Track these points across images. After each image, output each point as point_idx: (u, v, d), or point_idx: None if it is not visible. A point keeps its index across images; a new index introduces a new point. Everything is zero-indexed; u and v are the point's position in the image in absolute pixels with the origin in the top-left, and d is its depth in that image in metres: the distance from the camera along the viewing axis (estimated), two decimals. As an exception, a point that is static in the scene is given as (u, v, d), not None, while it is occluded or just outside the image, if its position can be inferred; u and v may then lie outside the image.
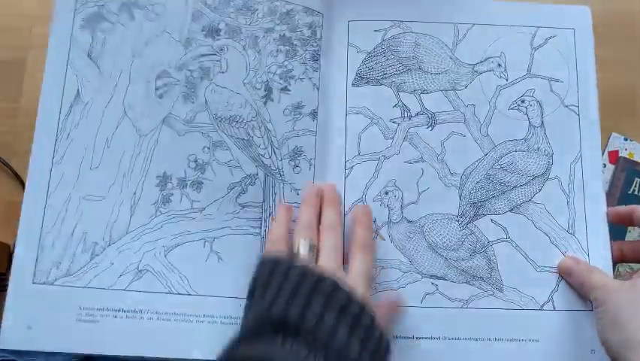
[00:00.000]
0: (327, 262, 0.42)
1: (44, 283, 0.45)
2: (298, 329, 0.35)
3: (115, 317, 0.45)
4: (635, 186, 0.54)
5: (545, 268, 0.49)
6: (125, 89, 0.48)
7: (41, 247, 0.45)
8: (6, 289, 0.45)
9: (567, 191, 0.50)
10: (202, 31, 0.49)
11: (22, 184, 0.49)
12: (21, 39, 0.53)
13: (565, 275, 0.48)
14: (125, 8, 0.49)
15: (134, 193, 0.47)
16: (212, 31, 0.49)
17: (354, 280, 0.41)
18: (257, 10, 0.50)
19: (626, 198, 0.55)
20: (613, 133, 0.55)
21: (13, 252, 0.45)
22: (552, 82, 0.52)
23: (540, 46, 0.52)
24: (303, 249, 0.42)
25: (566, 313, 0.48)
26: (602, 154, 0.52)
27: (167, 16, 0.49)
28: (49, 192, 0.46)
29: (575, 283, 0.47)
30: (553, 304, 0.48)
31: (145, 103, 0.48)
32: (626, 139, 0.55)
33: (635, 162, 0.55)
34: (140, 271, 0.46)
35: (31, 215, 0.46)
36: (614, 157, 0.55)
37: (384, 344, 0.37)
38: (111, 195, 0.46)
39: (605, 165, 0.54)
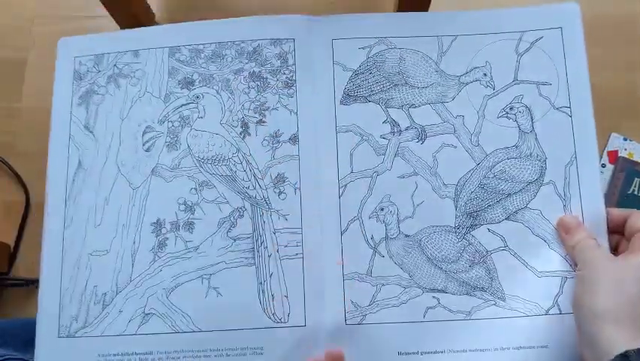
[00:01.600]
0: None
1: (67, 336, 0.49)
2: None
3: (129, 360, 0.48)
4: (635, 186, 0.54)
5: (547, 274, 0.47)
6: (117, 149, 0.52)
7: (62, 306, 0.49)
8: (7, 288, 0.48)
9: (563, 195, 0.49)
10: (178, 84, 0.53)
11: (22, 184, 0.52)
12: (21, 39, 0.55)
13: (562, 230, 0.47)
14: (111, 80, 0.54)
15: (134, 243, 0.50)
16: (187, 83, 0.53)
17: None
18: (225, 55, 0.53)
19: (626, 198, 0.55)
20: (612, 133, 0.55)
21: (13, 252, 0.48)
22: (540, 86, 0.51)
23: (526, 51, 0.51)
24: None
25: (573, 317, 0.45)
26: (602, 154, 0.53)
27: (147, 78, 0.54)
28: (64, 254, 0.51)
29: (568, 241, 0.46)
30: (559, 308, 0.46)
31: (134, 158, 0.52)
32: (625, 139, 0.55)
33: (635, 162, 0.55)
34: (147, 314, 0.48)
35: (50, 277, 0.50)
36: (613, 157, 0.55)
37: None
38: (114, 248, 0.50)
39: (604, 165, 0.55)
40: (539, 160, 0.49)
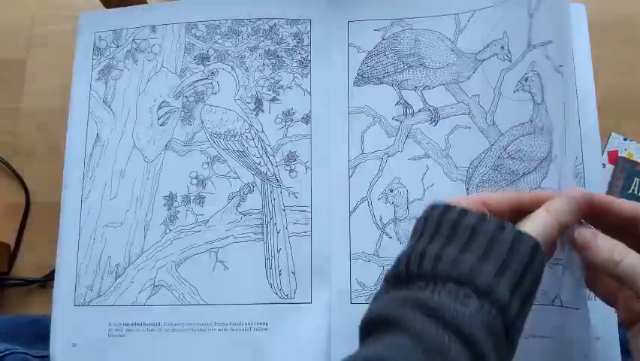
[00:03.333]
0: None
1: (82, 305, 0.50)
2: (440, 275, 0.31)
3: (138, 330, 0.48)
4: (635, 186, 0.54)
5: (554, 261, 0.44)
6: (133, 124, 0.53)
7: (78, 275, 0.51)
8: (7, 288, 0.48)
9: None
10: (194, 60, 0.53)
11: (23, 184, 0.52)
12: (21, 39, 0.55)
13: (580, 250, 0.35)
14: (129, 55, 0.55)
15: (146, 215, 0.51)
16: (203, 59, 0.53)
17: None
18: (241, 32, 0.53)
19: (626, 198, 0.51)
20: (612, 133, 0.55)
21: (13, 252, 0.49)
22: (547, 46, 0.48)
23: (535, 9, 0.49)
24: None
25: (566, 309, 0.41)
26: (602, 154, 0.53)
27: (164, 54, 0.54)
28: (81, 225, 0.52)
29: (596, 261, 0.34)
30: (560, 301, 0.42)
31: (150, 133, 0.52)
32: (625, 139, 0.55)
33: (635, 162, 0.54)
34: (156, 286, 0.49)
35: (68, 248, 0.51)
36: (613, 157, 0.55)
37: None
38: (127, 220, 0.51)
39: (604, 165, 0.54)
40: (549, 132, 0.47)
